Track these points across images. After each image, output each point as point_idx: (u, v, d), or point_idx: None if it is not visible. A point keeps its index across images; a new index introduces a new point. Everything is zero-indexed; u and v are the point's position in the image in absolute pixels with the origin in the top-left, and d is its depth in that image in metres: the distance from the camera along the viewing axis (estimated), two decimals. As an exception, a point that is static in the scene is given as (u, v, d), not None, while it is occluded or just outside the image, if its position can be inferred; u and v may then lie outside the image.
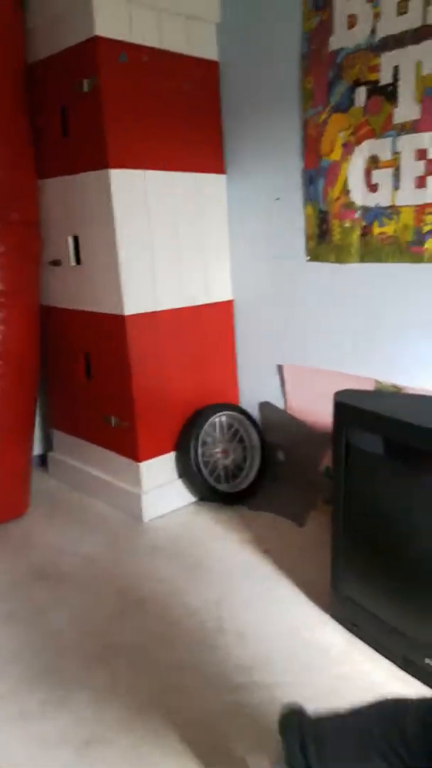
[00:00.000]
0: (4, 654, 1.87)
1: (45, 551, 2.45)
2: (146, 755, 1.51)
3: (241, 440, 2.85)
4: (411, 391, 2.28)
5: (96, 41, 2.33)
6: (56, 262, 2.78)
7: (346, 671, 1.76)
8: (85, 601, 2.12)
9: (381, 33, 2.14)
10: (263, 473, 2.83)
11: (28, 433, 2.71)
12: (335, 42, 2.28)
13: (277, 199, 2.64)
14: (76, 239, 2.67)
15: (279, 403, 2.83)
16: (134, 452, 2.65)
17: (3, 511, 2.60)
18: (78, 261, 2.69)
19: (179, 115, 2.61)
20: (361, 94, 2.24)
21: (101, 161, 2.42)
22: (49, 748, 1.54)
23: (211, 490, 2.69)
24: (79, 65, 2.43)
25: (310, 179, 2.50)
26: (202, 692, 1.70)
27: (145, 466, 2.66)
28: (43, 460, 3.25)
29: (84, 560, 2.37)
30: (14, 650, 1.89)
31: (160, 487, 2.71)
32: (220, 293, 2.88)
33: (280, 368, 2.79)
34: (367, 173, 2.29)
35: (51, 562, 2.37)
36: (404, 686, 1.68)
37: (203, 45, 2.67)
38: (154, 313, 2.62)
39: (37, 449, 3.22)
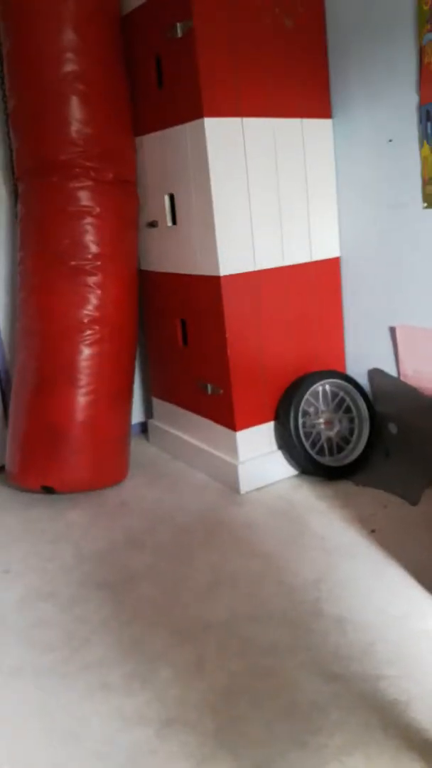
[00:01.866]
0: (94, 622, 1.83)
1: (141, 519, 2.39)
2: (229, 743, 1.39)
3: (348, 410, 2.63)
4: None
5: (189, -21, 2.18)
6: (153, 224, 2.68)
7: (461, 669, 1.54)
8: (178, 573, 2.03)
9: None
10: (372, 446, 2.60)
11: (127, 399, 2.66)
12: None
13: (390, 140, 2.37)
14: (172, 198, 2.56)
15: (391, 370, 2.57)
16: (231, 421, 2.52)
17: (102, 476, 2.58)
18: (174, 221, 2.58)
19: (280, 54, 2.40)
20: None
21: (195, 111, 2.27)
22: (129, 725, 1.46)
23: (313, 463, 2.51)
24: (172, 8, 2.29)
25: (427, 115, 2.21)
26: (294, 680, 1.55)
27: (241, 435, 2.52)
28: (144, 428, 3.22)
29: (179, 530, 2.29)
30: (104, 619, 1.84)
31: (259, 457, 2.57)
32: (326, 250, 2.65)
33: (392, 331, 2.53)
34: None
35: (146, 530, 2.31)
36: None
37: (307, -26, 2.43)
38: (252, 273, 2.45)
39: (138, 417, 3.20)
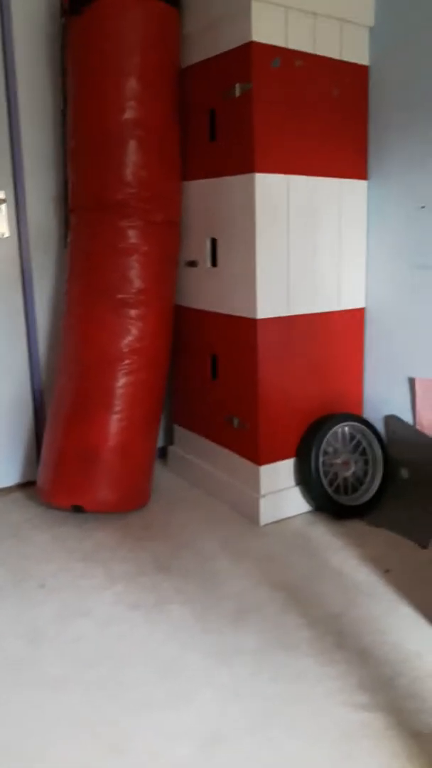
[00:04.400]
0: (131, 642, 1.94)
1: (165, 544, 2.51)
2: (268, 760, 1.51)
3: (363, 452, 2.79)
4: None
5: (251, 47, 2.36)
6: (193, 263, 2.84)
7: None
8: (205, 599, 2.15)
9: None
10: (384, 489, 2.76)
11: (155, 426, 2.79)
12: None
13: (422, 207, 2.56)
14: (213, 241, 2.72)
15: (407, 418, 2.74)
16: (255, 455, 2.67)
17: (129, 499, 2.69)
18: (214, 263, 2.74)
19: (325, 119, 2.59)
20: None
21: (248, 165, 2.44)
22: (172, 740, 1.58)
23: (330, 500, 2.66)
24: (232, 70, 2.47)
25: (460, 189, 2.40)
26: (324, 706, 1.68)
27: (264, 469, 2.67)
28: (162, 453, 3.34)
29: (201, 557, 2.41)
30: (141, 639, 1.95)
31: (278, 492, 2.71)
32: (353, 300, 2.83)
33: (411, 381, 2.70)
34: None
35: (171, 555, 2.43)
36: None
37: (355, 49, 2.63)
38: (285, 317, 2.61)
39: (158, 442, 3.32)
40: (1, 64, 2.71)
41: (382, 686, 1.75)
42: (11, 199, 2.83)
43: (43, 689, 1.75)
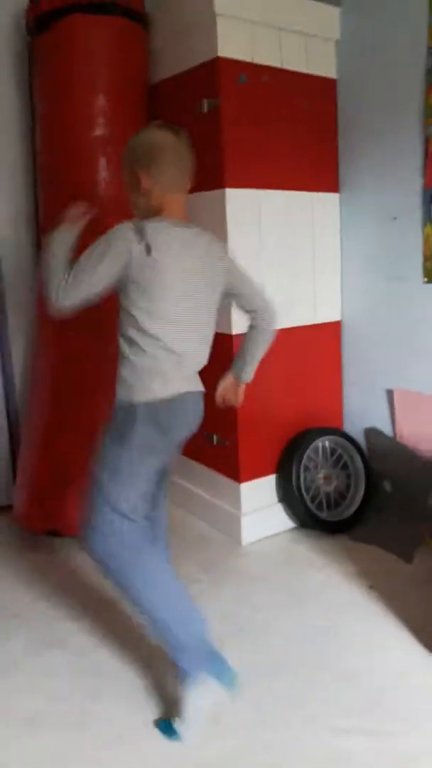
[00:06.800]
0: (107, 673, 1.87)
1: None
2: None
3: (345, 467, 2.75)
4: None
5: (217, 62, 2.35)
6: (166, 280, 2.80)
7: (463, 727, 1.62)
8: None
9: None
10: (367, 503, 2.71)
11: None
12: (467, 56, 2.19)
13: (395, 218, 2.55)
14: (187, 257, 2.69)
15: (387, 430, 2.71)
16: (235, 472, 2.62)
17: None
18: (188, 279, 2.70)
19: (295, 133, 2.59)
20: None
21: (218, 181, 2.42)
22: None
23: (312, 516, 2.61)
24: (199, 86, 2.46)
25: (431, 198, 2.39)
26: (305, 733, 1.62)
27: (245, 486, 2.62)
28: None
29: (184, 580, 2.33)
30: (116, 669, 1.89)
31: (260, 510, 2.65)
32: (329, 314, 2.81)
33: (389, 393, 2.67)
34: None
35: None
36: None
37: (322, 63, 2.64)
38: (261, 332, 2.58)
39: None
40: (-33, 84, 2.69)
41: (365, 709, 1.69)
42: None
43: (15, 725, 1.68)
